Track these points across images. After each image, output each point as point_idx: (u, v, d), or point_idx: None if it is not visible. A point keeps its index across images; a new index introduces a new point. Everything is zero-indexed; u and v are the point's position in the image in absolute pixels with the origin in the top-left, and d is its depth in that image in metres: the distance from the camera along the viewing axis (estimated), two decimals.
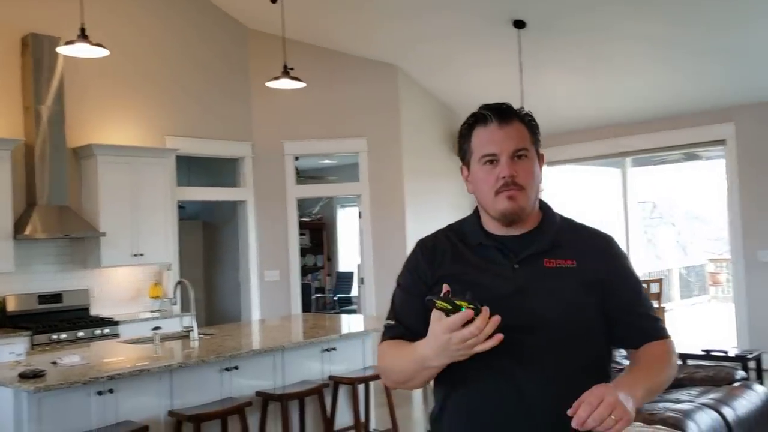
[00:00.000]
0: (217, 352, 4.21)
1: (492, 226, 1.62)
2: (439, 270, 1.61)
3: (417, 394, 5.99)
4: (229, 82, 7.55)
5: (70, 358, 3.90)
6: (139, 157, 6.45)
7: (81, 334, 5.64)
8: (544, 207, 1.67)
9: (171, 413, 3.84)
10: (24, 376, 3.41)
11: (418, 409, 5.84)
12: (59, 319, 5.77)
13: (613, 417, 1.28)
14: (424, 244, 1.69)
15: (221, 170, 7.87)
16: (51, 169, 5.92)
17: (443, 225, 1.74)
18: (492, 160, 1.55)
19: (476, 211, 1.68)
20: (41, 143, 5.88)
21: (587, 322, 1.53)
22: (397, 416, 4.93)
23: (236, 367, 4.22)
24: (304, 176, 10.12)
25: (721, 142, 7.62)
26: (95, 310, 6.23)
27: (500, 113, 1.57)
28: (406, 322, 1.62)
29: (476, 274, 1.58)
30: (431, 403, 1.70)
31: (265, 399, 4.26)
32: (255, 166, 7.71)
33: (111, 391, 3.62)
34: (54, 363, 3.82)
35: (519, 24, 6.27)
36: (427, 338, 1.40)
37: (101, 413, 3.59)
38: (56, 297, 5.97)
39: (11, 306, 5.73)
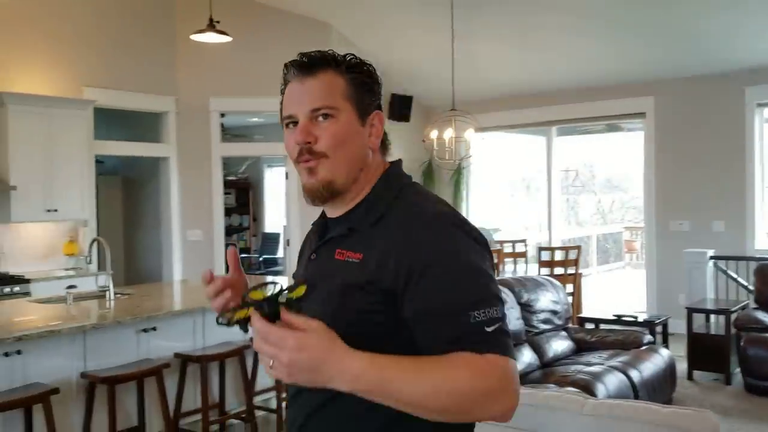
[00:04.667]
0: (134, 312, 4.10)
1: None
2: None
3: None
4: (153, 32, 7.23)
5: None
6: (54, 108, 6.11)
7: None
8: (385, 177, 1.32)
9: (84, 375, 3.73)
10: None
11: None
12: None
13: (273, 361, 1.06)
14: None
15: (143, 124, 7.58)
16: None
17: None
18: (292, 122, 1.28)
19: None
20: None
21: (358, 338, 1.09)
22: None
23: (154, 328, 4.12)
24: (230, 134, 9.87)
25: (641, 114, 7.87)
26: (4, 267, 5.95)
27: (301, 64, 1.31)
28: None
29: (301, 262, 1.44)
30: None
31: (183, 361, 4.18)
32: (179, 122, 7.46)
33: (19, 352, 3.47)
34: None
35: None
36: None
37: (8, 375, 3.44)
38: None
39: None
